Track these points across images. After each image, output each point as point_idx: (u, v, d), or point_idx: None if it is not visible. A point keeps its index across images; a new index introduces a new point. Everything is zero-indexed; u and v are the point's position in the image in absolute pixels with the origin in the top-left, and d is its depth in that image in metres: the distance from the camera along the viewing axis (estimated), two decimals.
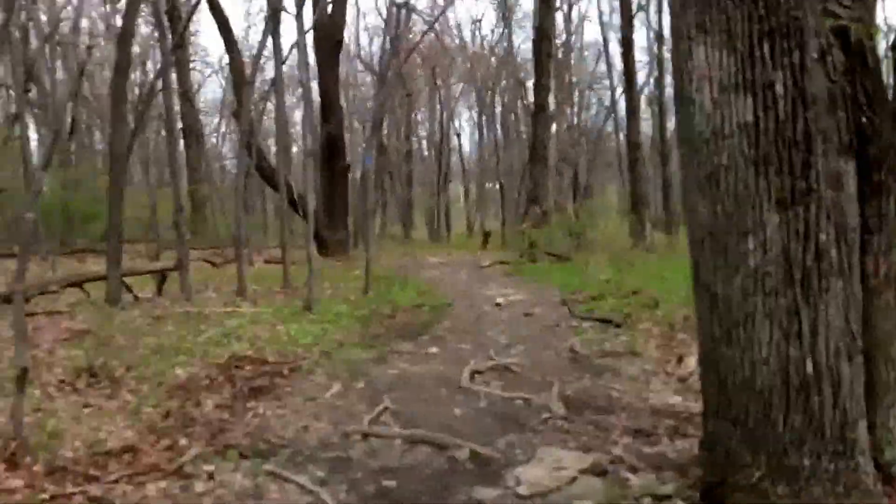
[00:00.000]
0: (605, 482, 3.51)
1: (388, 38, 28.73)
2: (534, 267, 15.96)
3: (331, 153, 18.62)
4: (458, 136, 43.67)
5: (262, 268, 16.66)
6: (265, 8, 14.92)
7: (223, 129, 39.18)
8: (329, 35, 18.36)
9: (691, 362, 5.64)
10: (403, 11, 30.01)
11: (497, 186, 45.83)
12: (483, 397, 5.14)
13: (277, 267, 16.63)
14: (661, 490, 3.31)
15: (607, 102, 37.30)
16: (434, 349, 7.11)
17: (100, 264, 17.00)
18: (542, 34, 19.62)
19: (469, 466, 3.83)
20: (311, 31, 16.99)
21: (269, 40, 12.63)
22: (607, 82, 37.68)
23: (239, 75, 17.44)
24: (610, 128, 35.30)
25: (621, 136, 31.31)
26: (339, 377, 5.85)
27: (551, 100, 22.55)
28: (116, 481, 3.66)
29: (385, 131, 29.66)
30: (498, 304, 10.30)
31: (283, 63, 14.01)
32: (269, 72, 26.52)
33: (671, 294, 9.91)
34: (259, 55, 12.34)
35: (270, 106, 27.01)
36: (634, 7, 26.37)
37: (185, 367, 6.10)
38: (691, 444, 3.74)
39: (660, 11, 27.35)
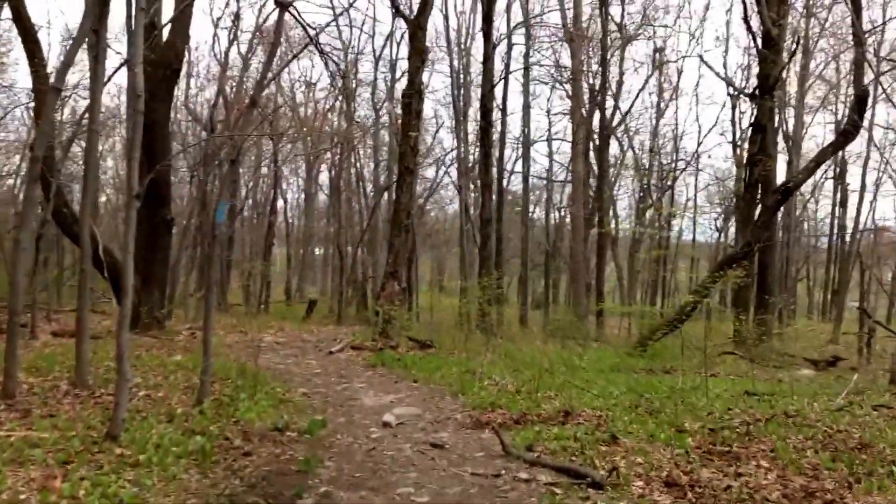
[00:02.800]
0: None
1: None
2: (398, 356, 13.25)
3: (152, 201, 14.85)
4: (285, 199, 40.80)
5: (49, 342, 12.73)
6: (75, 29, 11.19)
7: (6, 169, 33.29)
8: (164, 61, 15.00)
9: None
10: (240, 62, 26.90)
11: (319, 252, 43.05)
12: None
13: (70, 343, 12.73)
14: None
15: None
16: None
17: None
18: (414, 89, 17.59)
19: None
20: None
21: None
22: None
23: (41, 95, 13.62)
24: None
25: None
26: None
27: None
28: None
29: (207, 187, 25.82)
30: (387, 424, 7.63)
31: (106, 84, 10.69)
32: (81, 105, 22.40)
33: (614, 414, 7.82)
34: (68, 64, 8.92)
35: (78, 150, 22.38)
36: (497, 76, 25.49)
37: None
38: None
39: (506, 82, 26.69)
